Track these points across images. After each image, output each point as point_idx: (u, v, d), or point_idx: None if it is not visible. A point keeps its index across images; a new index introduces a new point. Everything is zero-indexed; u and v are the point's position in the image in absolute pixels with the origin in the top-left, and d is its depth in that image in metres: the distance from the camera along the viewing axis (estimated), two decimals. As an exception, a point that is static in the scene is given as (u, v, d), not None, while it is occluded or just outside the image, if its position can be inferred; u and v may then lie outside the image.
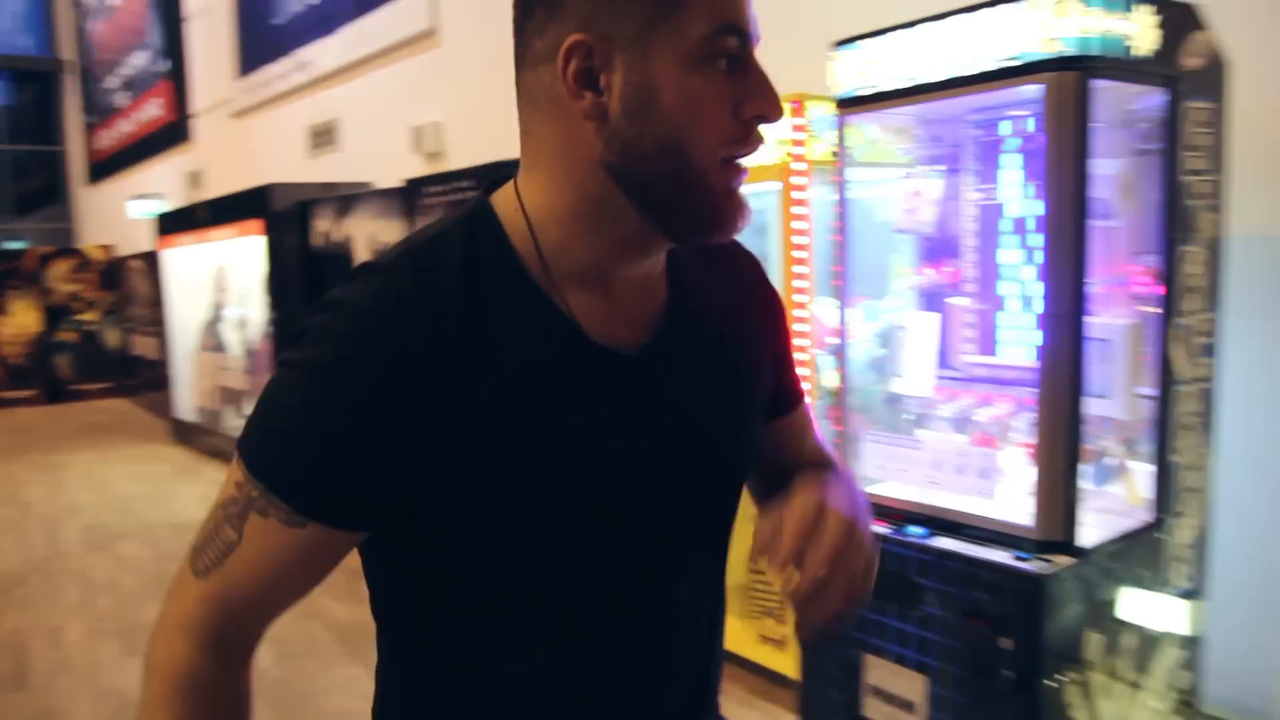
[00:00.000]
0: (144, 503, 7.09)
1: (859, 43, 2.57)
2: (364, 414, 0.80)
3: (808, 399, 1.14)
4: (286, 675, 3.88)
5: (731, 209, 0.86)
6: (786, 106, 2.81)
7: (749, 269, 1.06)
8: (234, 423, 8.39)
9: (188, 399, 9.43)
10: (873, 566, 0.88)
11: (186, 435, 9.47)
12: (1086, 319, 2.24)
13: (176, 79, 12.05)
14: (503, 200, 0.89)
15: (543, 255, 0.87)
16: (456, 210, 0.91)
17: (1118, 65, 2.20)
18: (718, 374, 0.96)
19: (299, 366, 0.82)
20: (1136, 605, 2.48)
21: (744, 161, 0.85)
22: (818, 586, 0.83)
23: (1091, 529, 2.38)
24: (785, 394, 1.10)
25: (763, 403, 1.05)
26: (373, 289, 0.83)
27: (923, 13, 2.42)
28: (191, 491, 7.40)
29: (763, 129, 0.85)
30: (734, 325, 1.00)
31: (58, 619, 4.72)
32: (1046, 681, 2.26)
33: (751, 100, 0.83)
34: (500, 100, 6.83)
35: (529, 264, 0.87)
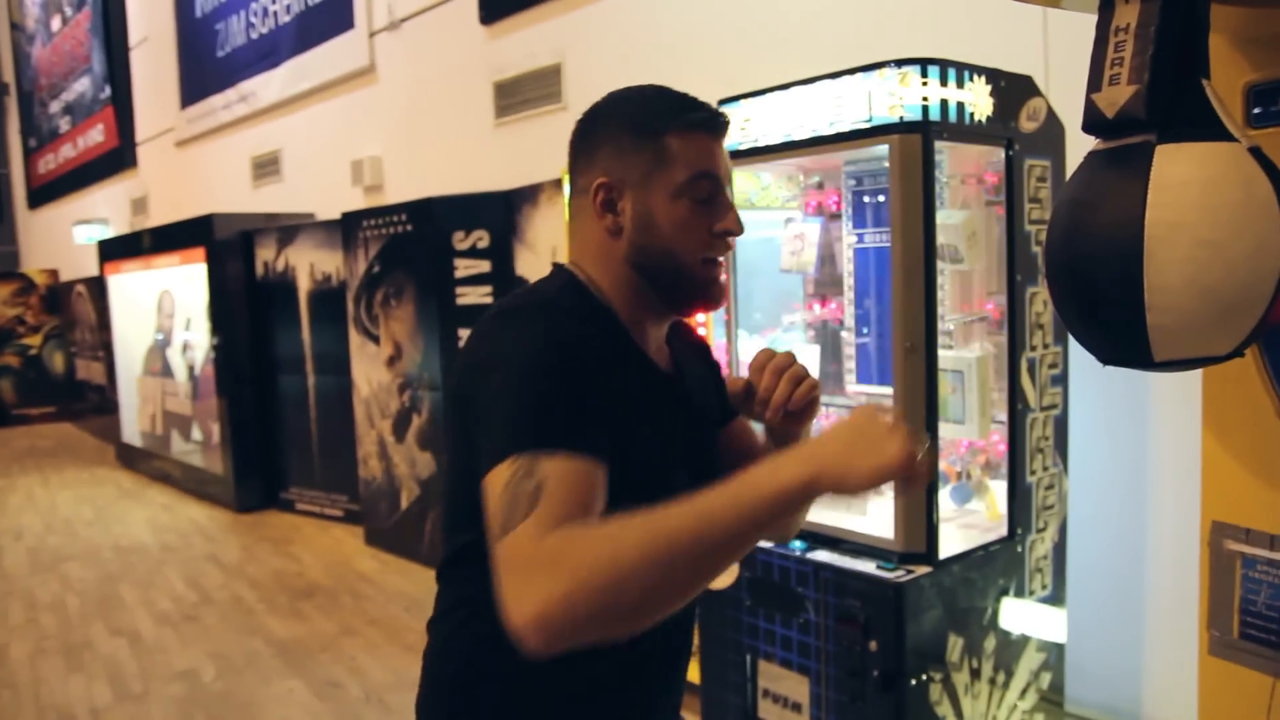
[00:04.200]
0: (89, 526, 7.16)
1: (741, 101, 2.83)
2: (581, 369, 1.11)
3: None
4: (228, 688, 4.04)
5: (712, 292, 1.27)
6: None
7: (700, 344, 1.51)
8: (180, 447, 8.47)
9: (133, 423, 9.48)
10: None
11: (132, 459, 9.52)
12: (938, 352, 2.50)
13: (119, 106, 12.07)
14: (576, 272, 1.28)
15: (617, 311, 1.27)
16: (551, 279, 1.29)
17: (956, 129, 2.47)
18: (701, 395, 1.40)
19: (516, 368, 1.10)
20: (1016, 614, 2.74)
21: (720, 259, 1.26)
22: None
23: (952, 542, 2.64)
24: (726, 411, 1.48)
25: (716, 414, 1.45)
26: (545, 317, 1.17)
27: (800, 74, 2.68)
28: (137, 514, 7.48)
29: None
30: (697, 371, 1.43)
31: (2, 637, 4.83)
32: (911, 680, 2.51)
33: (719, 221, 1.23)
34: (433, 137, 7.06)
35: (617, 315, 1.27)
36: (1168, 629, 3.02)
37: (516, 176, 5.16)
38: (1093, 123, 1.37)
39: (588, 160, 1.24)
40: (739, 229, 1.24)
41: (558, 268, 1.30)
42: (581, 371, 1.10)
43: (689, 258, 1.21)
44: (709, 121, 1.22)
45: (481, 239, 5.18)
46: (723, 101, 2.89)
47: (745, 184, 3.06)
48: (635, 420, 1.18)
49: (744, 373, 3.05)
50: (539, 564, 0.95)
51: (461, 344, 1.46)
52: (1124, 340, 1.32)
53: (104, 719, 3.83)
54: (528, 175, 5.00)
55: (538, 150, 5.41)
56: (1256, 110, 1.86)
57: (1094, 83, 1.37)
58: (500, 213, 5.15)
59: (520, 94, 5.58)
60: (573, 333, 1.14)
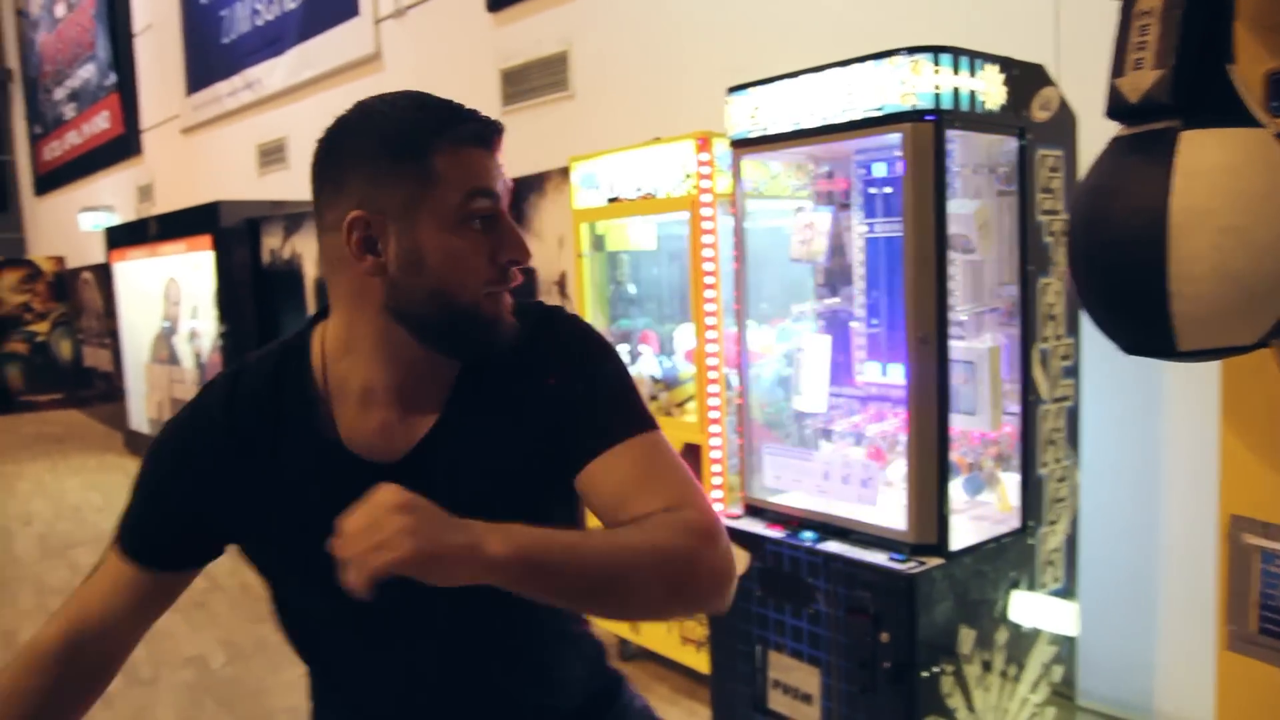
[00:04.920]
0: (98, 512, 7.18)
1: (749, 89, 2.80)
2: (166, 480, 1.12)
3: (639, 436, 1.09)
4: (238, 674, 4.05)
5: (496, 331, 1.06)
6: (693, 143, 3.05)
7: (552, 352, 1.13)
8: (186, 435, 8.47)
9: (141, 411, 9.49)
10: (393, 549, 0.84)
11: (139, 446, 9.52)
12: (950, 343, 2.48)
13: (125, 92, 12.05)
14: (318, 331, 1.13)
15: (327, 380, 1.10)
16: (290, 335, 1.16)
17: (969, 117, 2.45)
18: (470, 484, 1.08)
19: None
20: (1025, 607, 2.73)
21: (504, 290, 1.07)
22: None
23: (964, 534, 2.62)
24: (590, 436, 1.09)
25: (534, 498, 1.10)
26: (201, 397, 1.15)
27: (810, 62, 2.65)
28: (143, 504, 7.49)
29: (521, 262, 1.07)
30: (513, 426, 1.10)
31: (11, 622, 4.85)
32: (922, 673, 2.49)
33: (504, 249, 1.04)
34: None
35: (319, 385, 1.11)
36: (1181, 623, 3.00)
37: (523, 165, 5.13)
38: (1116, 108, 1.35)
39: (336, 189, 1.02)
40: (527, 256, 1.06)
41: (309, 320, 1.16)
42: (169, 473, 1.12)
43: (468, 296, 1.02)
44: (481, 133, 1.03)
45: (489, 227, 5.15)
46: (732, 90, 2.86)
47: (754, 173, 3.03)
48: (270, 507, 1.08)
49: (759, 373, 3.05)
50: None
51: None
52: (1147, 329, 1.30)
53: (114, 704, 3.84)
54: (535, 163, 4.97)
55: (545, 138, 5.38)
56: (1276, 103, 1.83)
57: (1117, 67, 1.34)
58: (509, 201, 5.11)
59: (527, 81, 5.55)
60: (199, 423, 1.12)
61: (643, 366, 3.86)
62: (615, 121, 4.82)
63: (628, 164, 3.63)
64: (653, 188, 3.51)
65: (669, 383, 3.77)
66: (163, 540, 1.13)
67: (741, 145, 2.85)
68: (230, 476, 1.09)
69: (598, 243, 3.97)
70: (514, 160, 4.69)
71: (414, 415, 1.10)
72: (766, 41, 4.13)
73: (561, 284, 4.70)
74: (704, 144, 3.27)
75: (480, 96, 5.93)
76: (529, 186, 4.97)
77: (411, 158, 1.00)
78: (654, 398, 3.77)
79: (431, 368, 1.10)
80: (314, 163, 1.06)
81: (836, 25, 3.82)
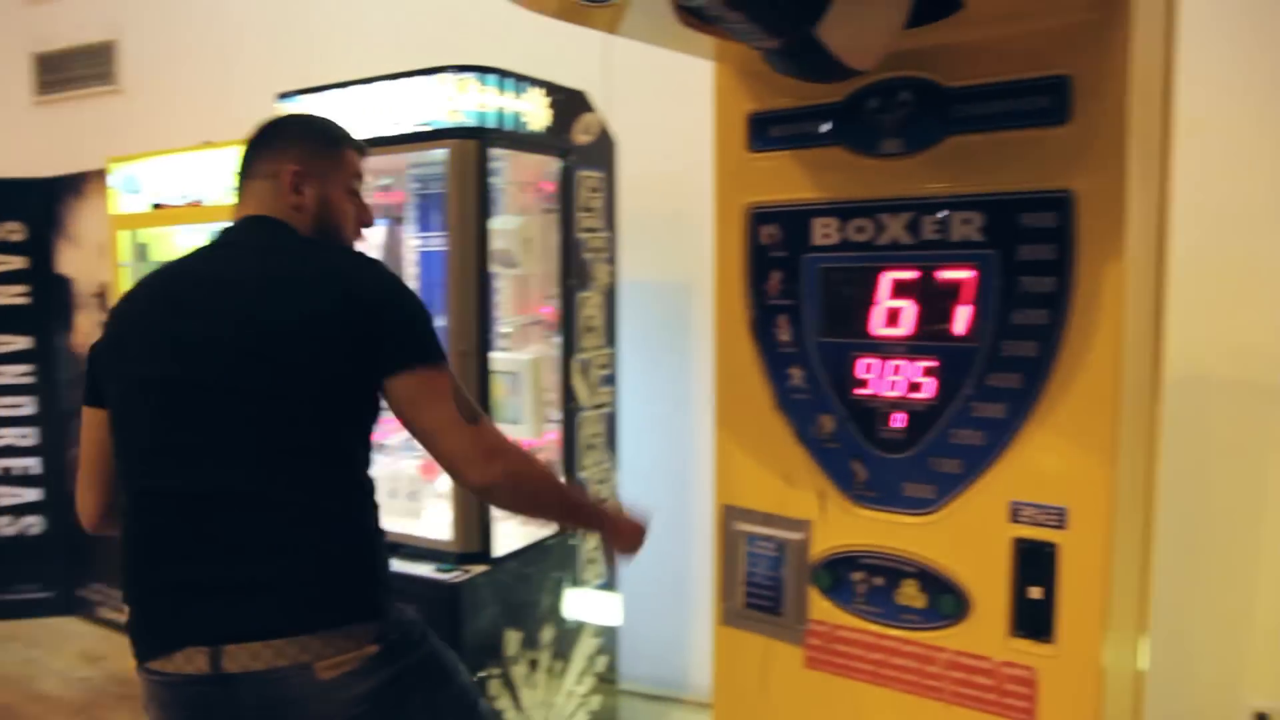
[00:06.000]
0: None
1: (299, 96, 2.73)
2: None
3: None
4: None
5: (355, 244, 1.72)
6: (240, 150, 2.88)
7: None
8: None
9: None
10: None
11: None
12: (494, 355, 2.57)
13: None
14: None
15: None
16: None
17: (513, 137, 2.56)
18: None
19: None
20: (577, 602, 2.85)
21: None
22: None
23: (510, 539, 2.70)
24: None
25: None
26: None
27: (369, 73, 2.64)
28: None
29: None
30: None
31: None
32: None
33: (365, 214, 1.73)
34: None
35: None
36: (708, 604, 3.31)
37: (61, 163, 4.61)
38: None
39: (277, 152, 1.61)
40: (371, 220, 1.75)
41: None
42: None
43: (348, 232, 1.68)
44: (365, 145, 1.75)
45: (15, 232, 4.55)
46: (282, 96, 2.78)
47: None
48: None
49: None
50: (509, 461, 1.68)
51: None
52: None
53: None
54: (75, 162, 4.48)
55: (89, 135, 4.88)
56: (758, 143, 2.07)
57: None
58: (39, 203, 4.56)
59: (68, 70, 5.01)
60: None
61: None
62: (169, 122, 4.47)
63: (174, 168, 3.39)
64: (201, 195, 3.30)
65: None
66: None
67: (289, 151, 2.76)
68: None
69: (140, 252, 3.66)
70: (49, 157, 4.18)
71: None
72: (326, 50, 4.04)
73: (101, 296, 4.25)
74: (255, 150, 3.13)
75: (9, 82, 5.27)
76: (65, 188, 4.47)
77: (335, 147, 1.67)
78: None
79: None
80: (257, 137, 1.65)
81: (397, 39, 3.84)
